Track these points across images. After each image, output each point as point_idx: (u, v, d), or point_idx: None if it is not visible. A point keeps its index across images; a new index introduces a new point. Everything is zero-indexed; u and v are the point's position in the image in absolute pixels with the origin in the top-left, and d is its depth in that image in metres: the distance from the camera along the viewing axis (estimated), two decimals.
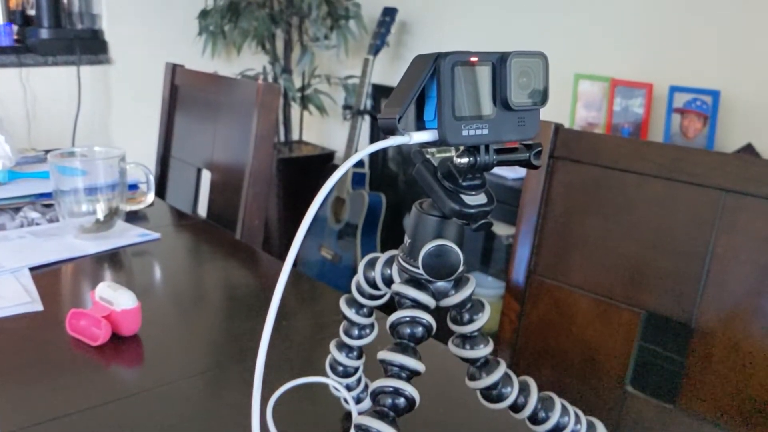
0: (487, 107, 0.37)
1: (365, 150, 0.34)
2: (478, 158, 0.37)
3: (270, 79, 2.86)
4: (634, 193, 0.95)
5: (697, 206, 0.89)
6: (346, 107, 2.82)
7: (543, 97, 0.37)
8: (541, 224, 1.04)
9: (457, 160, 0.37)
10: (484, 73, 0.36)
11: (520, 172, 1.98)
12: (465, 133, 0.36)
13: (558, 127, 1.01)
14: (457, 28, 2.51)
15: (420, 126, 0.36)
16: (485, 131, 0.36)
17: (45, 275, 0.96)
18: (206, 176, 1.54)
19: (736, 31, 1.76)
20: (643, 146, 0.97)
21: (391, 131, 0.35)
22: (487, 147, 0.37)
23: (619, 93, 1.97)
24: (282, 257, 2.79)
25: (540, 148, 0.39)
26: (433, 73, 0.35)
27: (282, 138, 2.95)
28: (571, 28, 2.13)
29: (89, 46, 2.57)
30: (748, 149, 1.74)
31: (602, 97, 2.02)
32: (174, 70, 1.64)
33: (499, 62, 0.36)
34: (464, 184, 0.40)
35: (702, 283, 0.88)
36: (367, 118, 2.80)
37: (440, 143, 0.36)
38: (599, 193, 0.99)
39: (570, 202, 1.02)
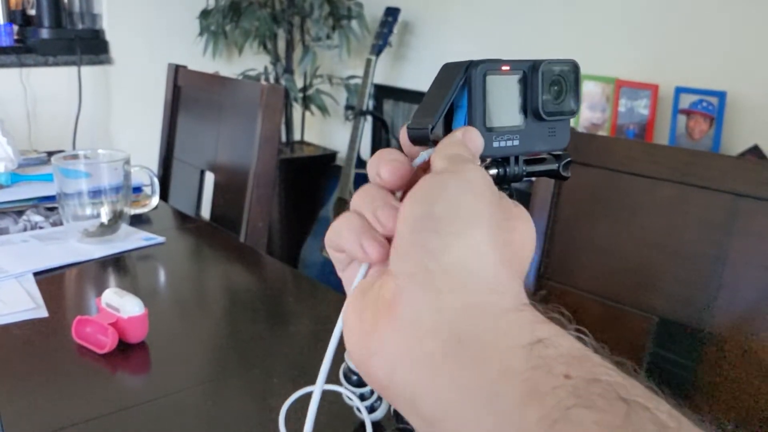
0: (518, 117, 0.35)
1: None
2: (508, 169, 0.36)
3: (272, 80, 2.85)
4: (645, 197, 0.94)
5: (710, 210, 0.88)
6: (348, 107, 2.81)
7: (575, 106, 0.36)
8: (551, 228, 1.03)
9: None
10: (514, 82, 0.35)
11: None
12: (496, 144, 0.35)
13: None
14: (460, 28, 2.50)
15: None
16: (516, 142, 0.35)
17: (49, 280, 0.95)
18: (209, 178, 1.53)
19: (743, 31, 1.75)
20: (655, 150, 0.95)
21: (422, 142, 0.34)
22: (516, 158, 0.36)
23: (624, 94, 1.96)
24: (283, 258, 2.76)
25: (569, 159, 0.38)
26: (464, 81, 0.34)
27: (283, 138, 2.93)
28: (576, 28, 2.12)
29: (90, 46, 2.55)
30: (755, 151, 1.73)
31: (607, 98, 2.01)
32: (177, 70, 1.63)
33: (530, 70, 0.35)
34: None
35: (715, 288, 0.87)
36: (370, 118, 2.78)
37: None
38: (609, 197, 0.97)
39: (580, 206, 1.01)
